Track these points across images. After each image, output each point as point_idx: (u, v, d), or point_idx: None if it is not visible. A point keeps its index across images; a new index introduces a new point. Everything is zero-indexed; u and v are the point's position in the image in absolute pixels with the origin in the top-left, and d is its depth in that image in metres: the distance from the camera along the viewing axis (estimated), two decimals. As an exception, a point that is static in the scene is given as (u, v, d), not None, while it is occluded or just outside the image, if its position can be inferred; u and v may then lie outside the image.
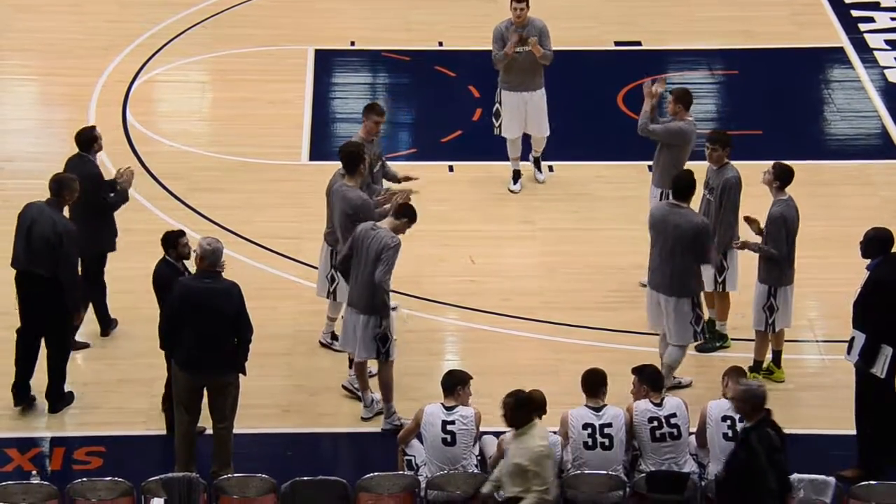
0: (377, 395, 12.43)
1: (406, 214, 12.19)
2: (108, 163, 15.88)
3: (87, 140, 13.20)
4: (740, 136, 14.10)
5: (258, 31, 19.18)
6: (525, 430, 9.79)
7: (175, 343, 11.50)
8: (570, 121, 16.63)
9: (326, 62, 18.54)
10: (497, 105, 15.59)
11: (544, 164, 15.91)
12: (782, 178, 12.83)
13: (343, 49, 18.83)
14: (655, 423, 11.07)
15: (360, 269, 12.18)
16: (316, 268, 13.44)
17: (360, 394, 12.52)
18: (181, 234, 12.25)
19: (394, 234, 12.01)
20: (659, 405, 11.11)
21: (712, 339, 13.34)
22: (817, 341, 13.42)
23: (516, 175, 15.77)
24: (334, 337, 13.03)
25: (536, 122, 15.50)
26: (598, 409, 11.07)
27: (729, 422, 11.03)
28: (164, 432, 11.96)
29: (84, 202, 12.76)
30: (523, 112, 15.43)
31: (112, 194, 13.17)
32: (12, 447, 11.97)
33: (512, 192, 15.77)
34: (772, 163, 12.90)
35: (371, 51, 18.88)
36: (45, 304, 12.23)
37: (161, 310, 11.68)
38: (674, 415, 11.09)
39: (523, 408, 9.92)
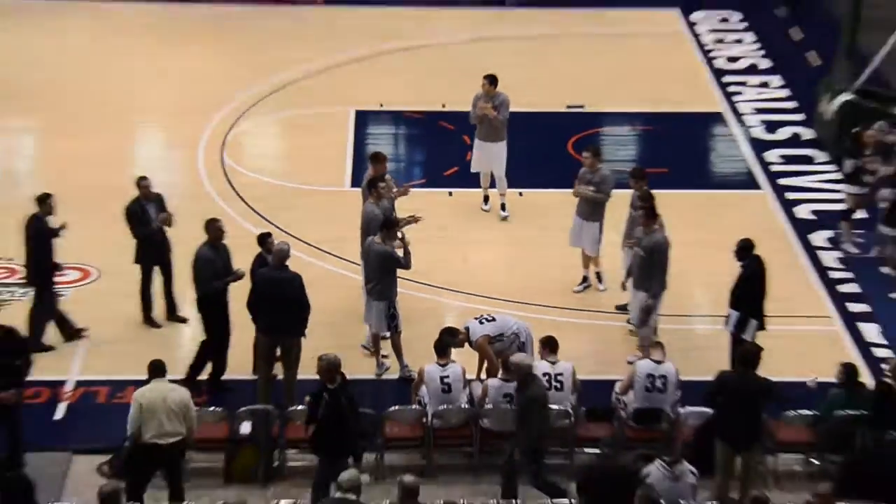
0: (387, 362, 12.50)
1: (384, 227, 12.19)
2: (210, 188, 16.10)
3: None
4: (653, 172, 14.06)
5: (315, 97, 19.18)
6: None
7: (258, 315, 11.58)
8: (535, 160, 16.66)
9: (363, 118, 18.50)
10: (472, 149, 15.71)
11: (515, 190, 15.79)
12: (648, 207, 12.48)
13: (375, 110, 18.80)
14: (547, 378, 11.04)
15: (368, 271, 12.27)
16: (356, 263, 13.43)
17: (374, 355, 12.57)
18: (268, 234, 12.30)
19: (383, 245, 12.03)
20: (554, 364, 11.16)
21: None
22: (704, 316, 13.46)
23: (486, 199, 15.77)
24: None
25: (497, 165, 15.42)
26: (553, 363, 11.17)
27: (650, 379, 11.11)
28: (249, 377, 12.00)
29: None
30: (487, 156, 15.39)
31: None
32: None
33: (484, 210, 15.75)
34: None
35: (394, 111, 18.85)
36: None
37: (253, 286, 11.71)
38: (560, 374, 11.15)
39: None
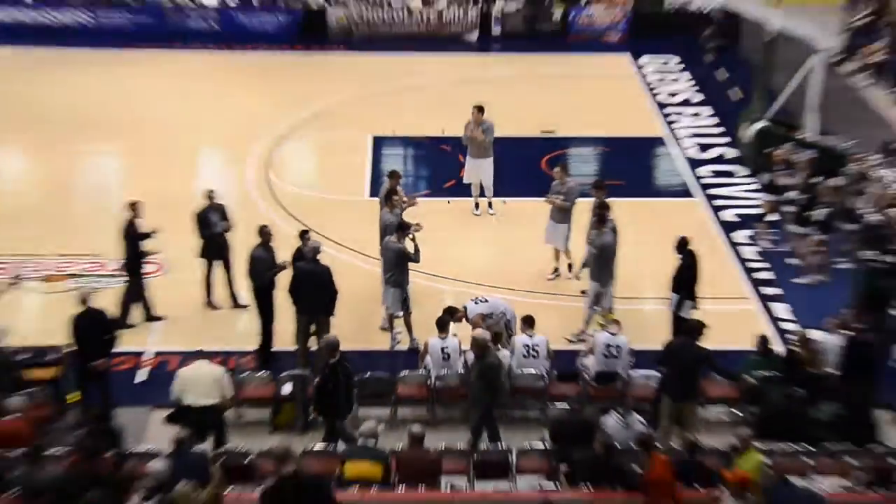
0: (399, 337, 12.51)
1: (399, 229, 12.29)
2: (257, 198, 16.09)
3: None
4: (611, 183, 14.01)
5: (341, 123, 19.21)
6: None
7: (297, 299, 11.62)
8: (516, 175, 16.69)
9: (379, 142, 18.52)
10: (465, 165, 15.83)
11: (500, 199, 15.88)
12: (601, 214, 12.49)
13: (388, 136, 18.80)
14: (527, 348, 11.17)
15: (386, 264, 12.34)
16: (374, 258, 13.45)
17: (389, 331, 12.60)
18: (307, 231, 12.33)
19: (398, 243, 12.13)
20: (532, 337, 11.25)
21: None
22: (651, 298, 13.45)
23: (476, 205, 15.82)
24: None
25: (486, 177, 15.51)
26: (531, 336, 11.25)
27: (608, 347, 11.19)
28: (290, 348, 12.00)
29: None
30: (477, 170, 15.46)
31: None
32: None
33: (475, 214, 15.79)
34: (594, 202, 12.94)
35: (404, 136, 18.86)
36: None
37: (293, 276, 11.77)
38: (537, 344, 11.22)
39: None
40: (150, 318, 12.90)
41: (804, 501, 8.41)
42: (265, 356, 12.07)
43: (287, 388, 10.94)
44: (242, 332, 12.59)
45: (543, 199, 13.87)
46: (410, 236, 12.31)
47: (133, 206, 12.55)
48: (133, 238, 12.49)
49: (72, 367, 10.94)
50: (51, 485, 8.29)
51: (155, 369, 12.02)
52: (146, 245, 12.63)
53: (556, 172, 13.95)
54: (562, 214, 13.68)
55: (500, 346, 10.98)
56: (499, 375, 10.35)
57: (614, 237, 12.51)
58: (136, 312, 12.83)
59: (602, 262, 12.36)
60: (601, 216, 12.49)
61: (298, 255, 11.99)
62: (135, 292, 12.75)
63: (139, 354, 12.18)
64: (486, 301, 11.97)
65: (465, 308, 11.83)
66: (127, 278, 12.76)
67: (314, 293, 11.50)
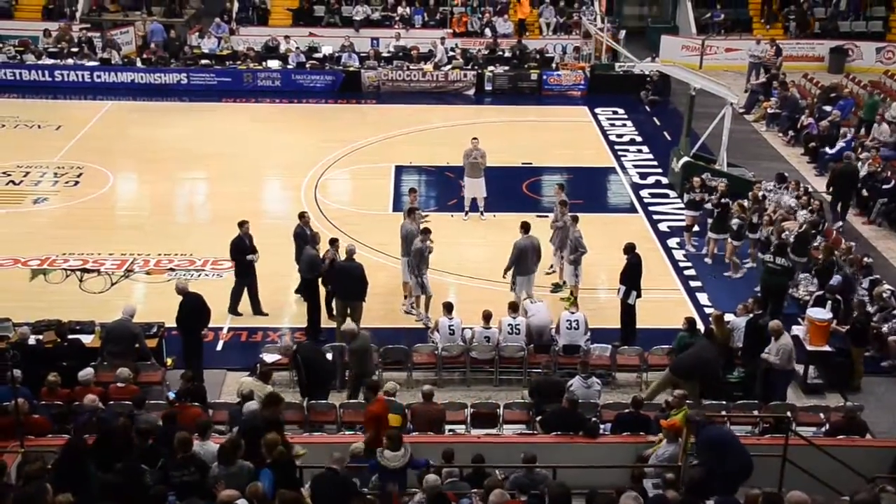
0: (417, 313, 12.28)
1: (423, 233, 12.06)
2: (309, 214, 15.63)
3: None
4: (574, 202, 13.95)
5: (371, 156, 18.90)
6: None
7: (337, 288, 11.47)
8: (503, 194, 16.40)
9: (399, 171, 18.21)
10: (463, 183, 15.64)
11: (489, 213, 15.69)
12: (525, 227, 12.24)
13: (406, 165, 18.51)
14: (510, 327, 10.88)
15: (417, 262, 12.02)
16: (395, 257, 13.19)
17: (413, 311, 12.36)
18: (336, 239, 12.12)
19: (424, 244, 11.88)
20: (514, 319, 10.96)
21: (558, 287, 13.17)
22: (608, 289, 13.29)
23: (466, 213, 15.64)
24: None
25: (480, 192, 15.39)
26: (514, 318, 11.06)
27: (569, 322, 10.95)
28: (331, 325, 11.81)
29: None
30: (473, 187, 15.36)
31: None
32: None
33: (464, 220, 15.57)
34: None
35: (418, 166, 18.56)
36: None
37: (329, 269, 11.51)
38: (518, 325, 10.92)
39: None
40: (235, 309, 12.36)
41: (723, 435, 8.18)
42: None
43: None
44: (296, 315, 12.34)
45: (523, 214, 13.60)
46: (430, 241, 12.09)
47: (241, 225, 11.82)
48: (239, 252, 11.88)
49: (166, 339, 10.81)
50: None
51: (228, 342, 11.87)
52: (250, 258, 11.99)
53: (558, 191, 13.82)
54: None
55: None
56: (365, 355, 10.02)
57: (528, 241, 12.26)
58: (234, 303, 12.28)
59: (514, 259, 12.12)
60: (524, 224, 12.41)
61: (331, 255, 11.72)
62: (239, 289, 12.14)
63: (219, 330, 11.99)
64: (538, 304, 11.44)
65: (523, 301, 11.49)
66: (236, 279, 12.15)
67: (350, 284, 11.31)
